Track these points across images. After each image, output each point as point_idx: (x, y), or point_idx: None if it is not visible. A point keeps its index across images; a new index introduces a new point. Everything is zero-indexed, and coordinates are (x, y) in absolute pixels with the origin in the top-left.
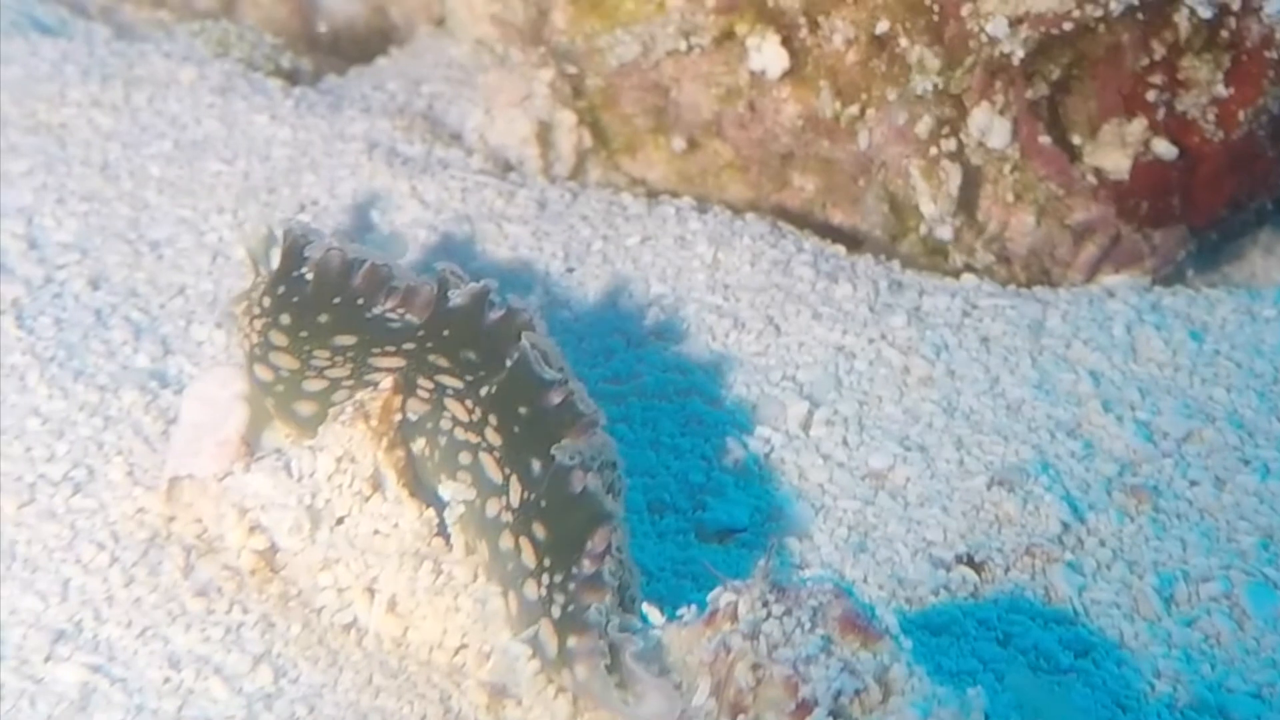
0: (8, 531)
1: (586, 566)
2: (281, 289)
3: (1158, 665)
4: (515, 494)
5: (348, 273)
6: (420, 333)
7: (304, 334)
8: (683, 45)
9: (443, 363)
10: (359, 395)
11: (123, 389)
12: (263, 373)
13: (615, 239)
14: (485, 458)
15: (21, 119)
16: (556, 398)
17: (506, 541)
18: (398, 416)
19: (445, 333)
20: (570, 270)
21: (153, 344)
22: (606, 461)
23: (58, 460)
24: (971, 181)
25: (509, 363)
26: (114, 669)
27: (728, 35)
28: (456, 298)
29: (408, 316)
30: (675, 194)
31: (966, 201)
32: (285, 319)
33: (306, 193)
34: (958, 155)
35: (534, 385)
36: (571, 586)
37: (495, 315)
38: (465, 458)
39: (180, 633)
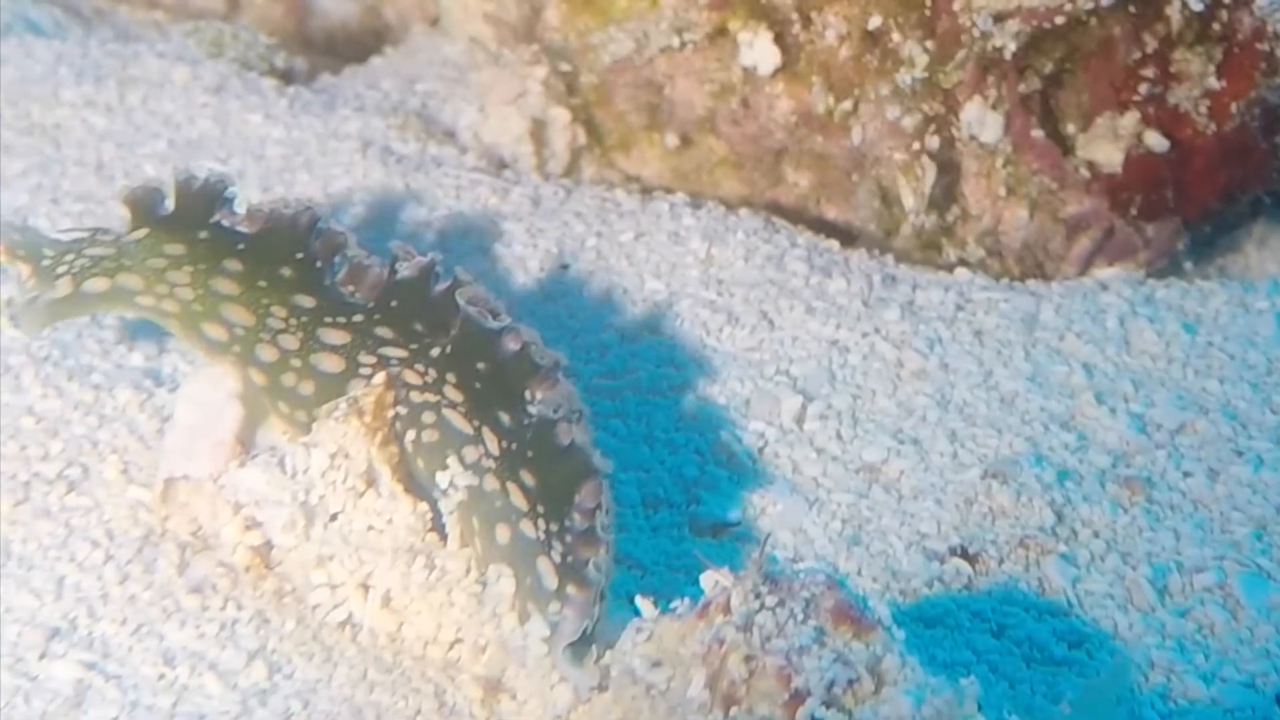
0: (3, 530)
1: (579, 521)
2: (204, 234)
3: (1151, 656)
4: (491, 443)
5: (311, 231)
6: (370, 304)
7: (262, 283)
8: (676, 42)
9: (388, 334)
10: (307, 386)
11: (117, 387)
12: (215, 331)
13: (609, 235)
14: (450, 413)
15: (16, 120)
16: (512, 344)
17: (491, 483)
18: (390, 412)
19: (393, 304)
20: (564, 267)
21: (147, 342)
22: (574, 410)
23: (52, 459)
24: (961, 176)
25: (454, 332)
26: (109, 666)
27: (720, 32)
28: (404, 270)
29: (357, 295)
30: (669, 191)
31: (959, 195)
32: (234, 265)
33: (301, 191)
34: (948, 150)
35: (486, 338)
36: (568, 538)
37: (441, 287)
38: (429, 417)
39: (175, 629)
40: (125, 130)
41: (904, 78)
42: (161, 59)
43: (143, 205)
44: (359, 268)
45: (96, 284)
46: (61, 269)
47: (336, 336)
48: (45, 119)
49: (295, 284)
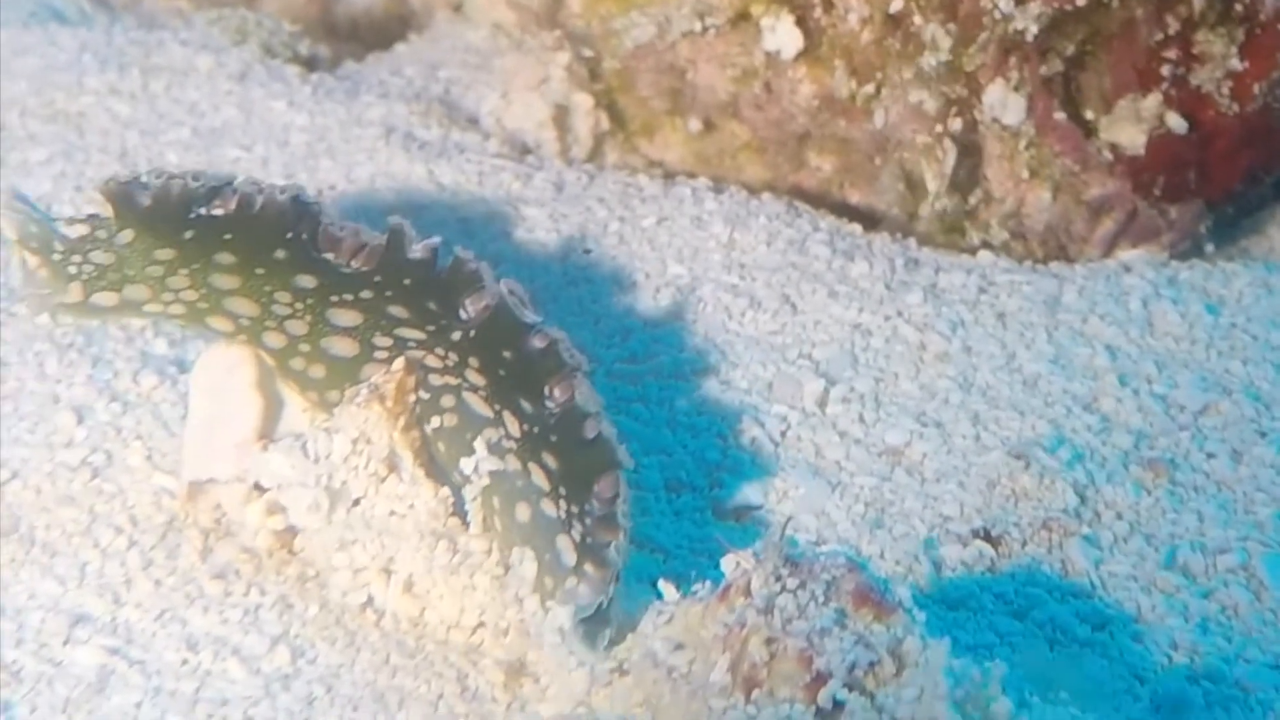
0: (27, 516)
1: (598, 508)
2: (189, 234)
3: (1175, 637)
4: (512, 426)
5: (293, 208)
6: (378, 279)
7: (260, 271)
8: (698, 27)
9: (402, 313)
10: (318, 370)
11: (141, 374)
12: (221, 324)
13: (632, 220)
14: (470, 396)
15: (40, 108)
16: (540, 342)
17: (512, 463)
18: (411, 397)
19: (406, 282)
20: (587, 251)
21: (171, 329)
22: (598, 408)
23: (76, 445)
24: (984, 158)
25: (463, 313)
26: (132, 651)
27: (743, 16)
28: (416, 251)
29: (352, 264)
30: (692, 175)
31: (982, 178)
32: (227, 258)
33: (324, 177)
34: (970, 132)
35: (516, 329)
36: (588, 521)
37: (445, 265)
38: (448, 401)
39: (198, 615)
40: (149, 118)
41: (928, 60)
42: (185, 47)
43: (123, 201)
44: (330, 238)
45: (105, 298)
46: (71, 269)
47: (348, 318)
48: (69, 106)
49: (292, 265)
